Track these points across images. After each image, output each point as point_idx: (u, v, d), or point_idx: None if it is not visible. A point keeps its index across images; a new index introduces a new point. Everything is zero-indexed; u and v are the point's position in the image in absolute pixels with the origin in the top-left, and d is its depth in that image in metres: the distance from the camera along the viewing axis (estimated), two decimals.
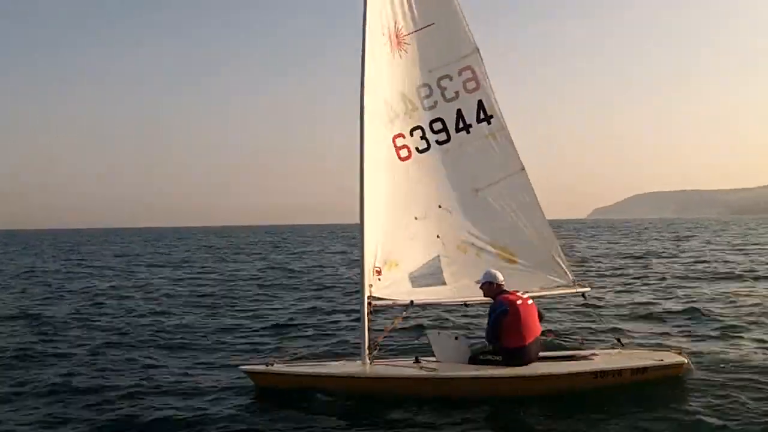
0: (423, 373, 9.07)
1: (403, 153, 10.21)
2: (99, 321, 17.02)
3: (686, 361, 9.23)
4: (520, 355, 8.98)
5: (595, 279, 23.09)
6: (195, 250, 60.10)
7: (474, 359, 9.36)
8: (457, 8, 10.44)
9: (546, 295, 10.07)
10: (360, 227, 9.90)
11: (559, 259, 10.21)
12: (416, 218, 10.21)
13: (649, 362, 9.06)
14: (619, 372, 8.83)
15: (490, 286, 9.44)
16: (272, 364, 9.43)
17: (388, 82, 10.16)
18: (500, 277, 9.43)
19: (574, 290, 10.19)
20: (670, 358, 9.29)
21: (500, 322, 8.99)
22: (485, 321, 9.40)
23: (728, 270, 25.75)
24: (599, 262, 33.43)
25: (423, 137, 10.27)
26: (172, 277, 30.77)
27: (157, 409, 9.01)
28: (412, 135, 10.24)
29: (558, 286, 10.13)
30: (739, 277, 23.01)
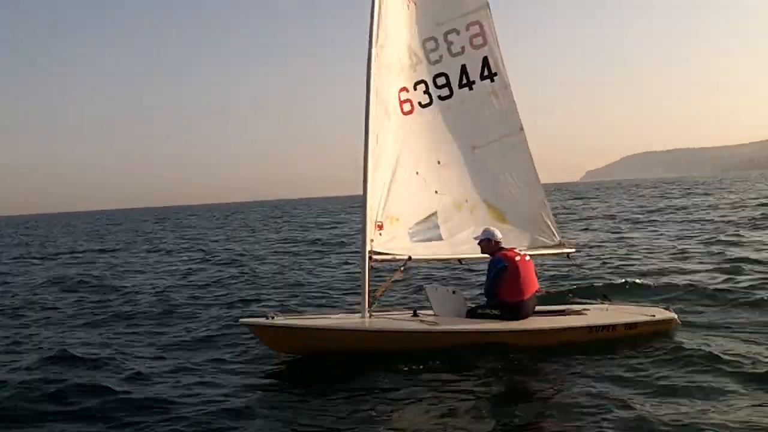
0: (423, 326, 9.17)
1: (406, 107, 10.13)
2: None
3: (675, 316, 9.53)
4: (518, 310, 9.22)
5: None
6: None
7: (472, 313, 9.50)
8: None
9: (533, 254, 10.23)
10: (363, 181, 9.85)
11: (548, 220, 10.40)
12: (417, 173, 10.20)
13: (641, 318, 9.39)
14: (613, 327, 9.14)
15: (488, 243, 9.57)
16: (273, 317, 9.36)
17: (397, 33, 10.03)
18: (498, 234, 9.59)
19: (560, 251, 10.45)
20: (661, 314, 9.60)
21: (500, 277, 9.20)
22: (479, 276, 9.57)
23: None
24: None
25: (426, 92, 10.20)
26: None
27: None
28: (415, 89, 10.15)
29: (545, 246, 10.36)
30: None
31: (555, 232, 10.41)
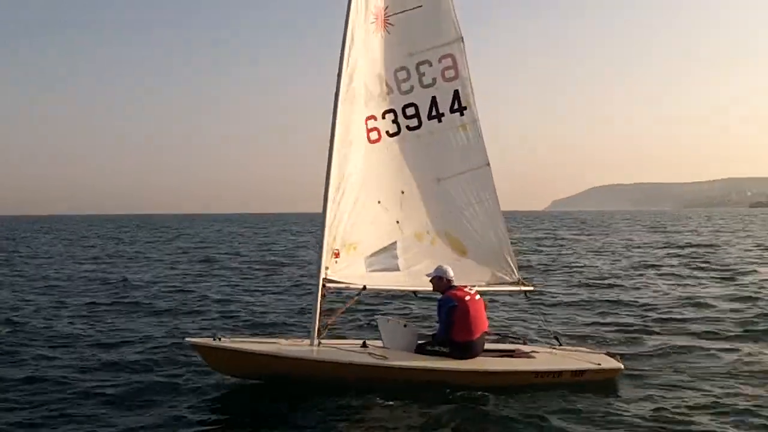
0: (371, 360, 9.02)
1: (373, 135, 10.03)
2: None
3: (622, 366, 9.58)
4: (467, 349, 9.20)
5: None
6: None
7: (422, 349, 9.42)
8: None
9: (490, 290, 10.26)
10: (323, 207, 9.72)
11: (508, 257, 10.36)
12: (379, 202, 10.07)
13: (587, 365, 9.40)
14: (559, 373, 9.18)
15: (440, 281, 9.49)
16: (220, 338, 9.21)
17: (368, 61, 9.94)
18: (451, 272, 9.49)
19: (518, 289, 10.39)
20: (608, 362, 9.62)
21: (450, 317, 9.14)
22: (434, 307, 9.60)
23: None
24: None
25: (394, 121, 10.10)
26: None
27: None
28: (384, 118, 10.06)
29: (503, 283, 10.32)
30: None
31: (515, 270, 10.36)
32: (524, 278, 10.52)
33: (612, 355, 9.96)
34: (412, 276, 10.03)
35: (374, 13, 9.94)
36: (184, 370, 9.86)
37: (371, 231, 10.00)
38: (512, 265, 10.35)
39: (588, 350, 10.44)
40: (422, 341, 9.61)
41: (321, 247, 9.68)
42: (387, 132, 10.09)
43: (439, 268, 9.52)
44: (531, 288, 10.63)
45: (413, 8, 10.05)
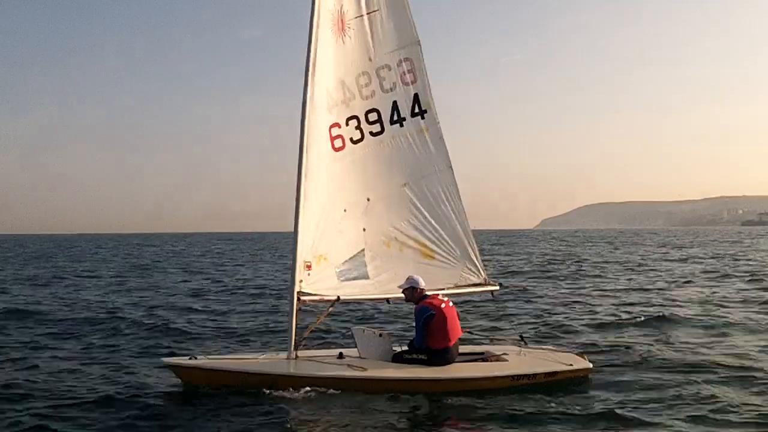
0: (350, 372, 8.96)
1: (338, 143, 9.96)
2: None
3: (591, 366, 9.81)
4: (444, 356, 9.28)
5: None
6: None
7: (399, 358, 9.45)
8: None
9: (458, 293, 10.34)
10: (294, 221, 9.65)
11: (474, 258, 10.45)
12: (345, 210, 10.00)
13: (560, 367, 9.58)
14: (534, 375, 9.32)
15: (413, 292, 9.52)
16: (196, 357, 9.06)
17: (329, 68, 9.88)
18: (422, 282, 9.53)
19: (484, 289, 10.52)
20: (578, 362, 9.84)
21: (428, 325, 9.20)
22: (405, 311, 9.56)
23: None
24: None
25: (358, 127, 10.05)
26: None
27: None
28: (347, 125, 10.00)
29: (471, 285, 10.40)
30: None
31: (481, 270, 10.48)
32: (490, 277, 10.61)
33: (580, 355, 10.20)
34: (382, 283, 9.99)
35: (333, 18, 9.91)
36: (161, 392, 9.38)
37: (339, 240, 9.94)
38: (478, 265, 10.46)
39: (554, 349, 10.61)
40: (399, 351, 9.61)
41: (293, 260, 9.62)
42: (351, 139, 10.04)
43: (410, 279, 9.52)
44: (497, 287, 10.73)
45: (370, 12, 10.07)
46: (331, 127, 9.93)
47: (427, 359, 9.25)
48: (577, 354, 10.29)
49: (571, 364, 9.68)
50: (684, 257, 42.86)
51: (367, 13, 10.07)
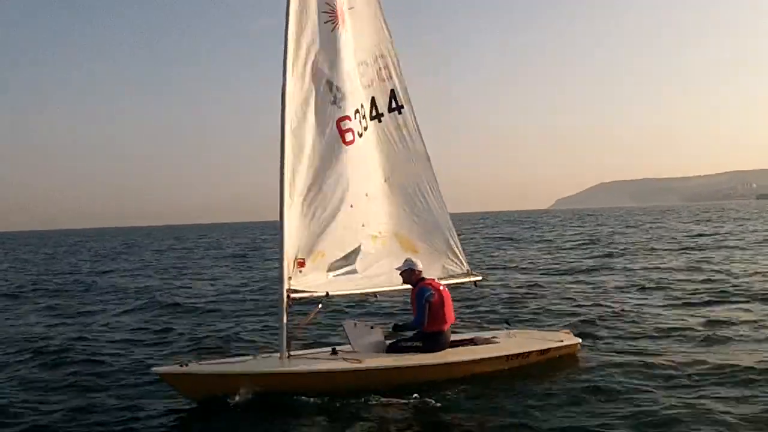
0: (345, 365, 8.82)
1: (348, 136, 9.73)
2: None
3: (580, 341, 10.28)
4: (438, 340, 9.32)
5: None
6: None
7: (395, 347, 9.43)
8: None
9: (445, 284, 10.23)
10: (279, 217, 9.35)
11: (456, 249, 10.53)
12: (351, 206, 9.80)
13: (551, 344, 9.92)
14: (528, 354, 9.57)
15: (411, 273, 9.53)
16: (186, 364, 8.83)
17: (335, 59, 9.67)
18: (420, 264, 9.59)
19: (467, 279, 10.63)
20: (568, 338, 10.24)
21: (430, 305, 9.23)
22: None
23: None
24: None
25: (360, 121, 9.96)
26: None
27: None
28: (354, 117, 9.82)
29: (454, 276, 10.45)
30: None
31: (463, 261, 10.57)
32: (471, 268, 10.70)
33: (566, 332, 10.62)
34: (370, 277, 9.90)
35: (329, 9, 9.66)
36: (157, 401, 9.05)
37: (343, 236, 9.73)
38: (460, 256, 10.55)
39: (540, 330, 10.99)
40: (392, 339, 9.57)
41: (281, 257, 9.39)
42: (358, 133, 9.87)
43: (408, 261, 9.55)
44: (479, 278, 10.87)
45: (350, 8, 9.98)
46: (341, 120, 9.68)
47: (422, 345, 9.25)
48: (563, 331, 10.69)
49: (561, 341, 10.05)
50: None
51: (350, 8, 9.97)
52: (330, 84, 9.63)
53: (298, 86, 9.42)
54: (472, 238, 48.77)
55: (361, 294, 10.60)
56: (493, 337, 10.17)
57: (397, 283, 9.84)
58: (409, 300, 9.69)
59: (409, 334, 9.47)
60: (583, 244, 38.78)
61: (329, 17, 9.68)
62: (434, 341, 9.26)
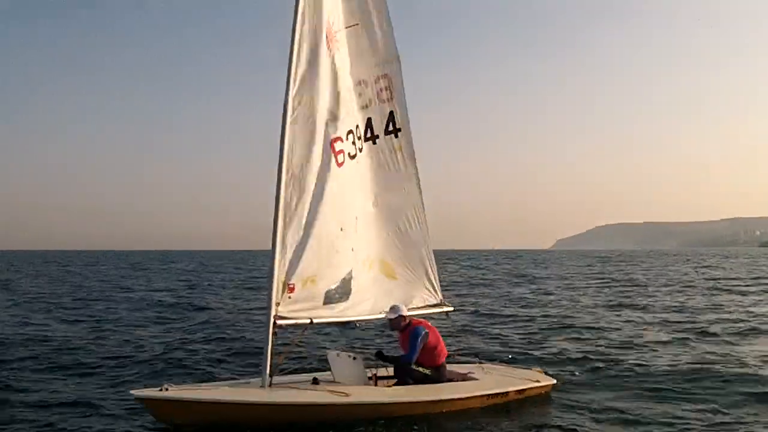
0: (332, 398, 8.51)
1: (341, 158, 9.53)
2: None
3: (555, 381, 10.30)
4: (443, 372, 9.54)
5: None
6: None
7: (402, 372, 9.39)
8: (383, 10, 9.96)
9: (415, 314, 10.12)
10: (272, 241, 9.08)
11: (433, 279, 10.49)
12: (341, 229, 9.56)
13: (529, 383, 9.92)
14: (507, 393, 9.57)
15: (400, 320, 9.45)
16: (167, 388, 8.47)
17: (327, 81, 9.43)
18: (405, 309, 9.58)
19: (440, 310, 10.55)
20: (544, 379, 10.26)
21: (424, 344, 9.30)
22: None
23: None
24: None
25: (354, 142, 9.74)
26: None
27: None
28: (347, 138, 9.61)
29: (428, 306, 10.42)
30: None
31: (438, 291, 10.52)
32: (444, 298, 10.65)
33: (539, 371, 10.67)
34: (356, 305, 9.64)
35: (324, 29, 9.45)
36: (133, 427, 8.76)
37: (333, 262, 9.45)
38: (436, 286, 10.51)
39: (513, 367, 11.02)
40: (374, 369, 9.56)
41: (270, 281, 9.10)
42: (349, 154, 9.66)
43: (395, 308, 9.47)
44: (451, 308, 10.80)
45: (351, 26, 9.76)
46: (333, 141, 9.45)
47: (430, 374, 9.35)
48: (535, 369, 10.76)
49: (538, 381, 10.05)
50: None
51: (350, 27, 9.74)
52: (324, 105, 9.42)
53: (297, 107, 9.20)
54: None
55: (343, 322, 10.26)
56: (469, 373, 10.07)
57: (384, 310, 9.64)
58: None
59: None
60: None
61: (322, 38, 9.45)
62: (441, 373, 9.46)
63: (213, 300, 28.20)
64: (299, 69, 9.20)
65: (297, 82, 9.17)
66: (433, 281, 10.44)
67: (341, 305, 9.53)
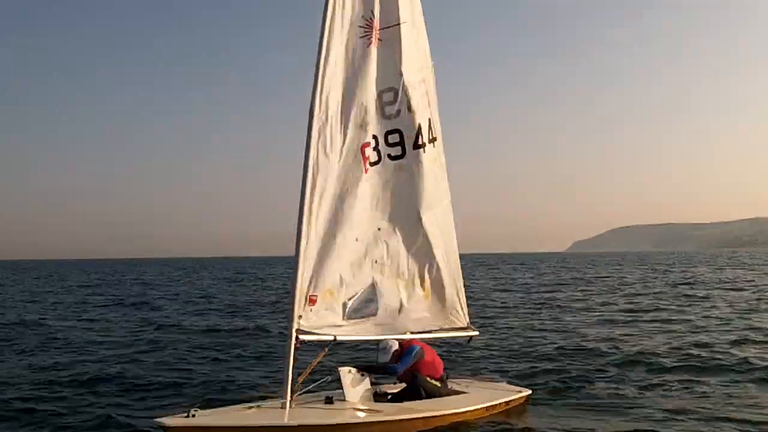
0: (363, 417, 8.29)
1: (366, 165, 8.94)
2: None
3: (530, 392, 10.24)
4: (446, 382, 9.46)
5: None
6: None
7: (413, 387, 9.14)
8: (421, 12, 9.48)
9: (442, 336, 9.98)
10: (296, 248, 8.54)
11: (462, 302, 10.01)
12: (356, 240, 8.97)
13: (513, 396, 9.85)
14: (495, 405, 9.39)
15: (395, 354, 9.11)
16: (194, 414, 7.80)
17: (363, 79, 8.84)
18: (394, 343, 9.13)
19: (465, 334, 10.08)
20: (522, 390, 10.16)
21: (419, 359, 9.09)
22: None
23: None
24: None
25: (375, 148, 9.04)
26: None
27: None
28: (376, 143, 9.03)
29: (454, 329, 9.96)
30: None
31: (465, 314, 10.03)
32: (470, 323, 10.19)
33: (509, 382, 10.74)
34: (385, 322, 9.13)
35: (365, 24, 8.86)
36: None
37: (350, 273, 8.92)
38: (464, 309, 10.01)
39: (483, 379, 10.93)
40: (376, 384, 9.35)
41: (293, 293, 8.53)
42: (374, 161, 9.04)
43: (387, 348, 9.07)
44: (476, 333, 10.34)
45: (399, 24, 9.08)
46: (364, 146, 8.85)
47: (440, 385, 9.24)
48: (505, 381, 10.84)
49: (520, 392, 10.04)
50: None
51: (395, 24, 9.06)
52: (361, 105, 8.82)
53: (326, 103, 8.60)
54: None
55: (370, 339, 9.56)
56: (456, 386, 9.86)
57: (410, 331, 9.28)
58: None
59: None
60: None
61: (365, 32, 8.88)
62: (445, 384, 9.40)
63: None
64: (327, 66, 8.60)
65: (319, 84, 8.55)
66: (462, 302, 9.92)
67: (367, 321, 9.01)
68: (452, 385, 9.83)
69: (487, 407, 9.25)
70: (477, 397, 9.48)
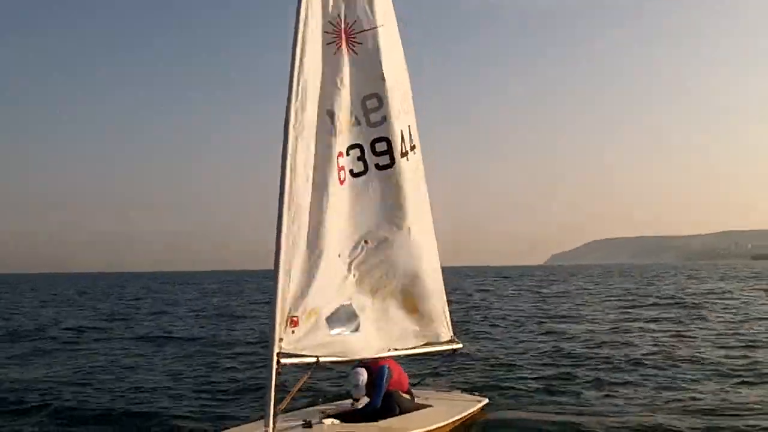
0: None
1: (342, 175, 8.52)
2: None
3: (488, 400, 10.40)
4: (412, 395, 9.50)
5: None
6: None
7: (397, 403, 9.05)
8: (394, 16, 9.23)
9: (427, 351, 9.81)
10: (275, 267, 8.08)
11: (447, 314, 9.84)
12: (339, 255, 8.55)
13: (478, 405, 9.97)
14: (467, 417, 9.46)
15: (367, 383, 8.89)
16: None
17: (335, 87, 8.46)
18: (363, 372, 8.88)
19: (449, 347, 9.99)
20: (481, 399, 10.31)
21: (390, 379, 8.97)
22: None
23: None
24: None
25: (360, 158, 8.67)
26: None
27: None
28: (348, 154, 8.60)
29: (439, 343, 9.77)
30: None
31: (450, 327, 9.87)
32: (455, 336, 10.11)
33: (464, 390, 10.93)
34: (369, 341, 8.73)
35: (334, 30, 8.49)
36: None
37: (332, 290, 8.45)
38: (449, 321, 9.86)
39: (440, 389, 10.93)
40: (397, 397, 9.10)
41: (273, 314, 8.06)
42: (351, 171, 8.64)
43: (358, 378, 8.83)
44: (460, 345, 10.22)
45: (374, 27, 8.79)
46: (338, 156, 8.46)
47: (410, 398, 9.34)
48: (455, 391, 10.86)
49: (480, 401, 10.15)
50: None
51: (374, 28, 8.78)
52: (331, 114, 8.43)
53: (300, 115, 8.15)
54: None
55: (353, 359, 9.05)
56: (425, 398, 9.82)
57: (395, 348, 9.05)
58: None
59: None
60: None
61: (332, 38, 8.50)
62: (413, 397, 9.49)
63: None
64: (302, 72, 8.17)
65: (295, 91, 8.12)
66: (447, 315, 9.76)
67: (351, 338, 8.59)
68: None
69: (460, 419, 9.24)
70: (445, 410, 9.35)
